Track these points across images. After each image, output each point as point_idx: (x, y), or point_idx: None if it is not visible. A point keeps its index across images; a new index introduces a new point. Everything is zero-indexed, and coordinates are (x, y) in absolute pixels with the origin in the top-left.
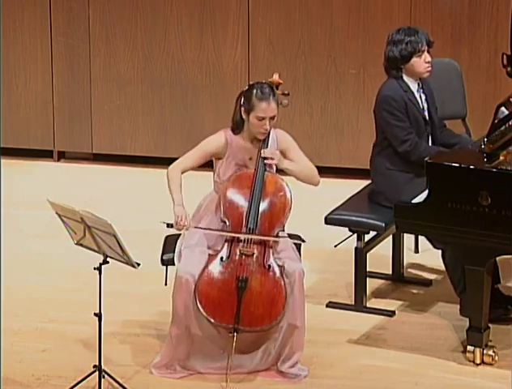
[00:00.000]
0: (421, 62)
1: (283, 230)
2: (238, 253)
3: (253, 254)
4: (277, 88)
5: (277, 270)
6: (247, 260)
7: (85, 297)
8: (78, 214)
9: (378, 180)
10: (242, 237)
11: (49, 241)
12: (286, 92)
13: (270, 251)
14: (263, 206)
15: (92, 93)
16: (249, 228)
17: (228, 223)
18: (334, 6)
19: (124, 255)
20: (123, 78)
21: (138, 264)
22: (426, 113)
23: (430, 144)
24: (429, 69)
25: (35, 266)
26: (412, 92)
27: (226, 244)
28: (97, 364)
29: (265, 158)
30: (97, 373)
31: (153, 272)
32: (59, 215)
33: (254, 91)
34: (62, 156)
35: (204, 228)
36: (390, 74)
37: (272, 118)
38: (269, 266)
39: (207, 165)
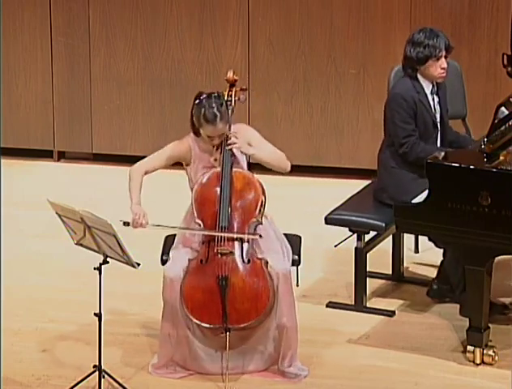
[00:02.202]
0: (436, 67)
1: (261, 223)
2: (216, 253)
3: (231, 251)
4: (234, 85)
5: (257, 263)
6: (226, 259)
7: (85, 297)
8: (78, 214)
9: (383, 176)
10: (225, 234)
11: (49, 241)
12: (243, 87)
13: (248, 246)
14: (233, 203)
15: (92, 93)
16: (222, 227)
17: (201, 224)
18: (334, 6)
19: (124, 255)
20: (123, 78)
21: (138, 264)
22: (438, 116)
23: (439, 147)
24: (443, 75)
25: (35, 266)
26: (425, 94)
27: (203, 246)
28: (97, 364)
29: (228, 144)
30: (97, 373)
31: (153, 272)
32: (59, 215)
33: (202, 110)
34: (62, 156)
35: (163, 226)
36: (406, 72)
37: (220, 136)
38: (248, 260)
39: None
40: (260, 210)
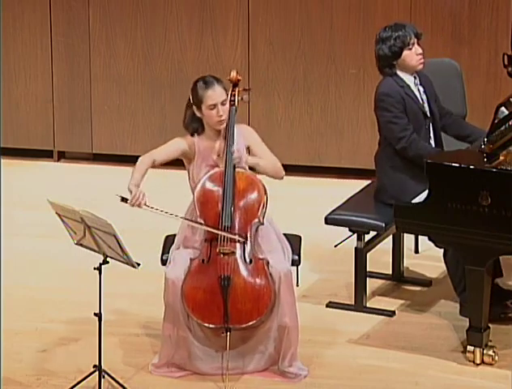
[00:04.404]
0: (413, 55)
1: (263, 223)
2: (218, 253)
3: (233, 251)
4: (237, 85)
5: (259, 263)
6: (227, 258)
7: (85, 297)
8: (78, 214)
9: (382, 178)
10: (224, 234)
11: (49, 241)
12: (247, 88)
13: (250, 246)
14: (236, 202)
15: (92, 93)
16: (225, 227)
17: (204, 223)
18: (334, 6)
19: (124, 255)
20: (123, 78)
21: (138, 264)
22: (426, 106)
23: (432, 136)
24: (422, 61)
25: (35, 266)
26: (409, 87)
27: (206, 245)
28: (97, 364)
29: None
30: (97, 373)
31: (153, 272)
32: (59, 215)
33: (198, 84)
34: (62, 156)
35: (160, 211)
36: (385, 72)
37: (223, 104)
38: (250, 260)
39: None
40: (262, 210)
